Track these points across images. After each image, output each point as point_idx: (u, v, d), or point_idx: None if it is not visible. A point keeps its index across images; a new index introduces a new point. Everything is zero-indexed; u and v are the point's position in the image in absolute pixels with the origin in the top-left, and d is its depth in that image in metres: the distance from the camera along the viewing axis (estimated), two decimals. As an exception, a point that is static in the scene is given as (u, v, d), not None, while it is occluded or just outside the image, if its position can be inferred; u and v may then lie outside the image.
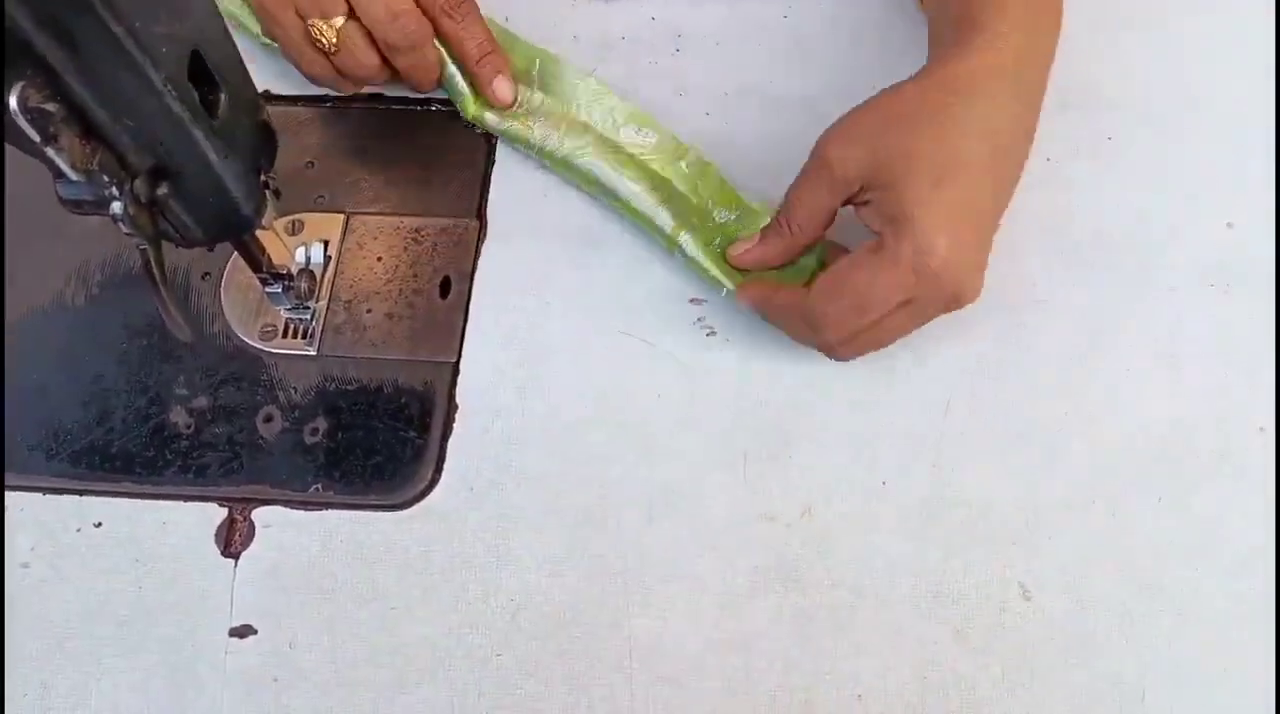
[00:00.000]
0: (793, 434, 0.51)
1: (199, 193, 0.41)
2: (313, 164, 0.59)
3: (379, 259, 0.56)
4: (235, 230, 0.45)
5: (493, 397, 0.52)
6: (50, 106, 0.34)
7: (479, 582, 0.49)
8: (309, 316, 0.54)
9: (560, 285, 0.55)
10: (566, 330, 0.54)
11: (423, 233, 0.57)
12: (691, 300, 0.54)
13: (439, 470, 0.51)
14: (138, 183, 0.39)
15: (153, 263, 0.42)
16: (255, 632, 0.49)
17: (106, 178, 0.38)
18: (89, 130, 0.37)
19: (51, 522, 0.51)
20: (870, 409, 0.51)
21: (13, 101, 0.33)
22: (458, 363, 0.53)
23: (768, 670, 0.46)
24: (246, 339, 0.55)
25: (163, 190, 0.41)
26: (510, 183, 0.57)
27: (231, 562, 0.50)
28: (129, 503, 0.52)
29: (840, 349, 0.49)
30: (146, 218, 0.41)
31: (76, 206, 0.40)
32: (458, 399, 0.53)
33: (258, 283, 0.55)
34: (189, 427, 0.53)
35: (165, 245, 0.43)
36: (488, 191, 0.57)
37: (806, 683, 0.46)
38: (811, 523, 0.49)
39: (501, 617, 0.48)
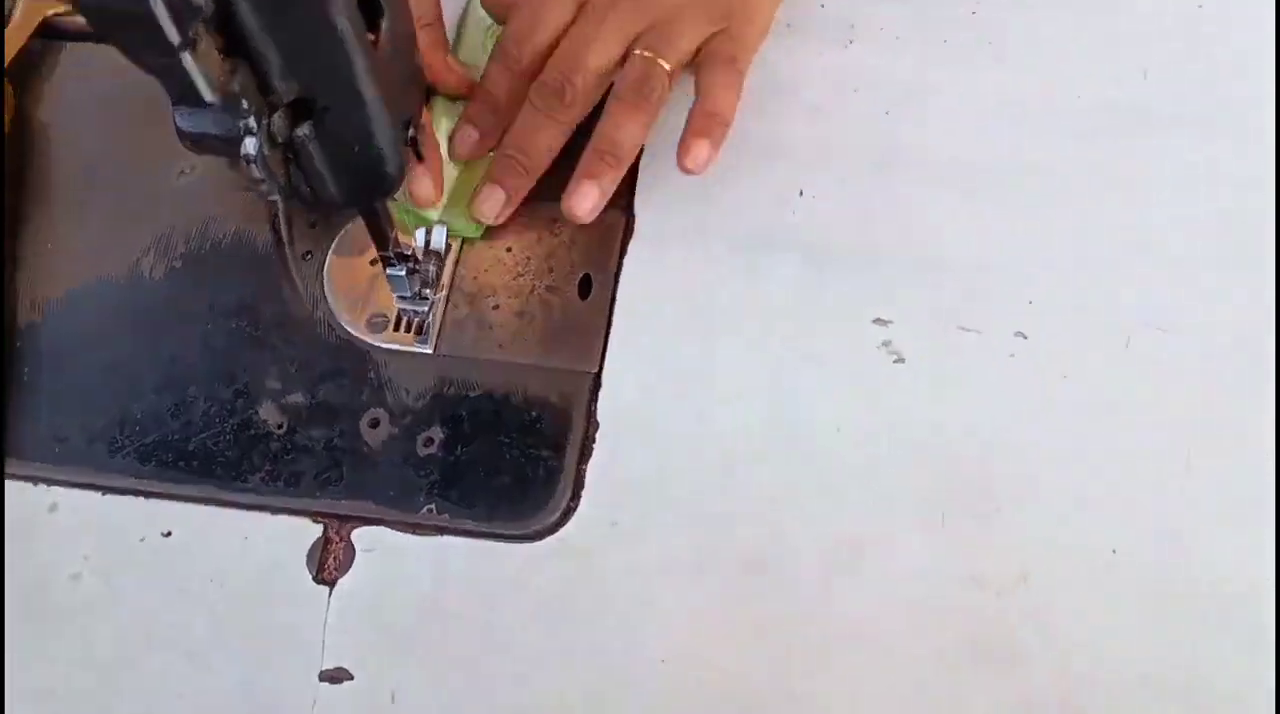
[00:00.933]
0: (1000, 484, 0.43)
1: (344, 138, 0.34)
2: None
3: (508, 249, 0.49)
4: (373, 192, 0.37)
5: (641, 416, 0.45)
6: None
7: (624, 635, 0.41)
8: (426, 309, 0.47)
9: (722, 295, 0.47)
10: (728, 347, 0.46)
11: (560, 223, 0.49)
12: (876, 321, 0.46)
13: (576, 498, 0.43)
14: (276, 117, 0.32)
15: (281, 219, 0.35)
16: (351, 677, 0.40)
17: (245, 104, 0.30)
18: (231, 43, 0.29)
19: (111, 527, 0.43)
20: (1092, 460, 0.43)
21: (152, -11, 0.25)
22: (599, 374, 0.46)
23: (978, 770, 0.38)
24: (352, 330, 0.47)
25: (303, 131, 0.33)
26: (664, 176, 0.50)
27: (325, 590, 0.42)
28: (205, 511, 0.43)
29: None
30: (280, 163, 0.33)
31: (198, 141, 0.33)
32: (599, 416, 0.45)
33: (367, 266, 0.47)
34: (281, 426, 0.45)
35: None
36: (635, 183, 0.50)
37: (1026, 789, 0.38)
38: (1029, 591, 0.41)
39: (651, 678, 0.40)
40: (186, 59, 0.27)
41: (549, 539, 0.42)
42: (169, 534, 0.43)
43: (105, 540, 0.43)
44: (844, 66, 0.52)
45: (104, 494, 0.44)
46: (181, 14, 0.26)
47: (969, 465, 0.43)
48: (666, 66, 0.47)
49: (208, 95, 0.29)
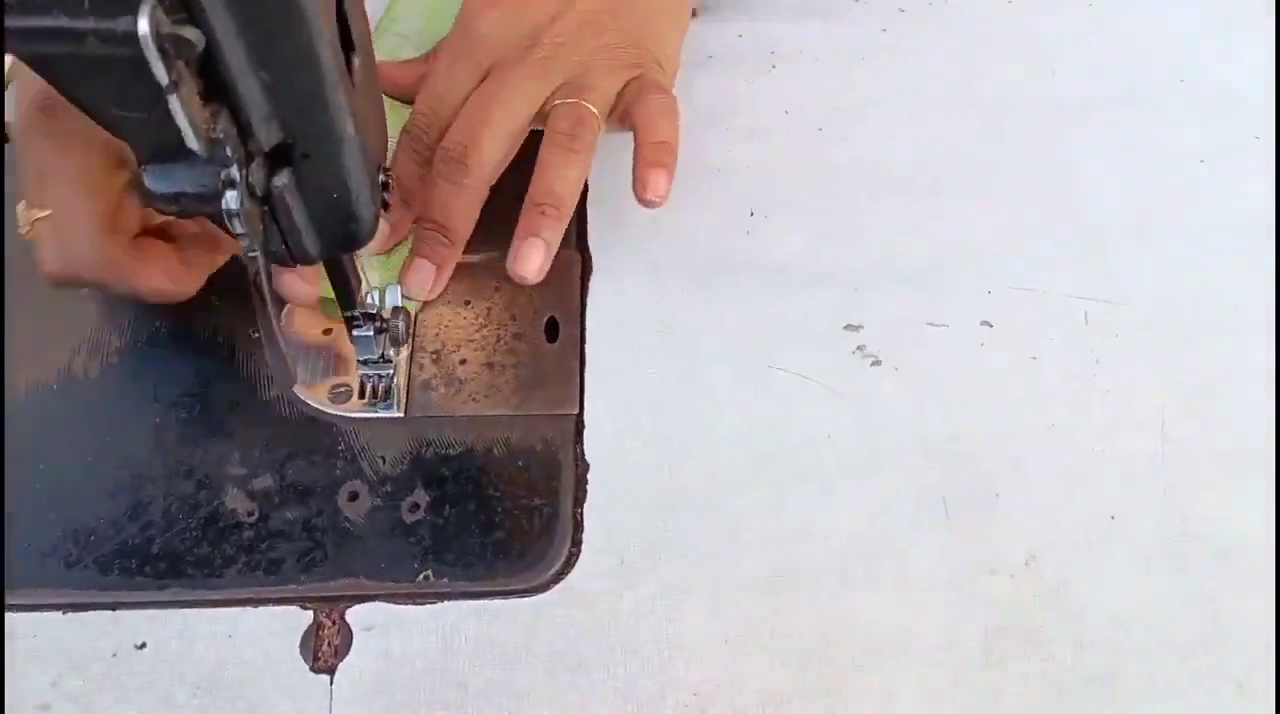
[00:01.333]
0: (993, 471, 0.43)
1: (322, 185, 0.33)
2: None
3: (467, 302, 0.47)
4: (349, 240, 0.36)
5: (630, 452, 0.44)
6: (188, 33, 0.25)
7: (650, 676, 0.39)
8: (391, 372, 0.45)
9: (688, 321, 0.47)
10: (705, 371, 0.45)
11: (515, 271, 0.48)
12: (847, 326, 0.46)
13: (577, 543, 0.42)
14: (254, 167, 0.30)
15: (262, 275, 0.33)
16: (368, 767, 0.37)
17: (229, 152, 0.29)
18: (210, 88, 0.28)
19: (78, 647, 0.39)
20: (1076, 433, 0.44)
21: (144, 24, 0.24)
22: (580, 415, 0.44)
23: (1028, 756, 0.37)
24: (315, 404, 0.45)
25: (281, 181, 0.32)
26: (611, 212, 0.50)
27: (326, 678, 0.39)
28: (180, 614, 0.40)
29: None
30: (258, 217, 0.32)
31: (172, 202, 0.31)
32: (587, 457, 0.43)
33: (321, 336, 0.46)
34: (251, 514, 0.42)
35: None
36: (585, 221, 0.49)
37: (1079, 768, 0.37)
38: (1039, 572, 0.41)
39: (686, 712, 0.38)
40: (173, 102, 0.25)
41: (556, 588, 0.41)
42: (143, 646, 0.40)
43: (74, 662, 0.39)
44: (771, 90, 0.53)
45: (65, 613, 0.40)
46: (169, 53, 0.24)
47: (962, 456, 0.43)
48: (593, 109, 0.46)
49: (193, 142, 0.27)
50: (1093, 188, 0.50)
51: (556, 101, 0.46)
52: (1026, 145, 0.51)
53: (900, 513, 0.42)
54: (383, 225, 0.43)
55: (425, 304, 0.47)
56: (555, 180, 0.44)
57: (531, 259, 0.44)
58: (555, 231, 0.44)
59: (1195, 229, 0.49)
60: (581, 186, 0.46)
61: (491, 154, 0.45)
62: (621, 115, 0.47)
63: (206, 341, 0.46)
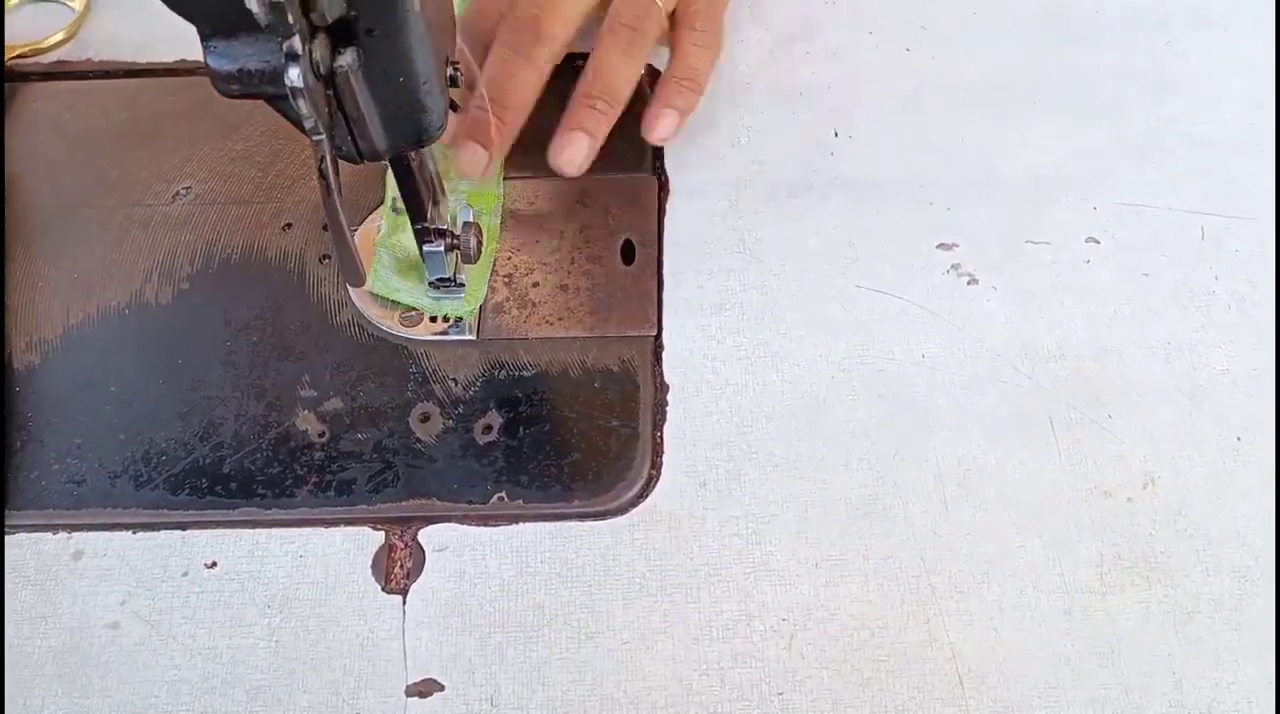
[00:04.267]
0: (1104, 390, 0.40)
1: (387, 66, 0.31)
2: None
3: (540, 226, 0.46)
4: (417, 133, 0.34)
5: (712, 372, 0.41)
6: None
7: (736, 599, 0.37)
8: (460, 295, 0.43)
9: (772, 240, 0.44)
10: (790, 289, 0.43)
11: (590, 194, 0.46)
12: (940, 245, 0.44)
13: (657, 465, 0.40)
14: (317, 44, 0.29)
15: (328, 162, 0.31)
16: (441, 688, 0.36)
17: (291, 20, 0.27)
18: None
19: (148, 566, 0.39)
20: (1195, 350, 0.41)
21: None
22: (659, 336, 0.42)
23: (1150, 689, 0.34)
24: (385, 327, 0.43)
25: (346, 59, 0.30)
26: (687, 134, 0.47)
27: (399, 599, 0.37)
28: (251, 534, 0.39)
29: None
30: (324, 99, 0.30)
31: (236, 80, 0.30)
32: (666, 378, 0.41)
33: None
34: (322, 435, 0.41)
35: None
36: (661, 146, 0.47)
37: (1207, 702, 0.34)
38: (1158, 495, 0.38)
39: (774, 642, 0.36)
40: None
41: (635, 510, 0.39)
42: (214, 565, 0.39)
43: (143, 581, 0.38)
44: (855, 10, 0.51)
45: (135, 532, 0.39)
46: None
47: (1069, 375, 0.40)
48: (660, 2, 0.44)
49: (254, 5, 0.26)
50: (1202, 103, 0.47)
51: None
52: (1129, 60, 0.48)
53: (1003, 434, 0.39)
54: (475, 152, 0.42)
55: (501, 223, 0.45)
56: (611, 73, 0.43)
57: (575, 152, 0.42)
58: (603, 127, 0.43)
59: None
60: (635, 83, 0.44)
61: (564, 28, 0.43)
62: (670, 23, 0.45)
63: (277, 267, 0.45)
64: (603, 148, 0.44)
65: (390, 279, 0.43)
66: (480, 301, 0.43)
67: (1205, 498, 0.38)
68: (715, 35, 0.46)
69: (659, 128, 0.43)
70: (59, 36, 0.52)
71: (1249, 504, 0.38)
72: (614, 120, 0.43)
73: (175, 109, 0.50)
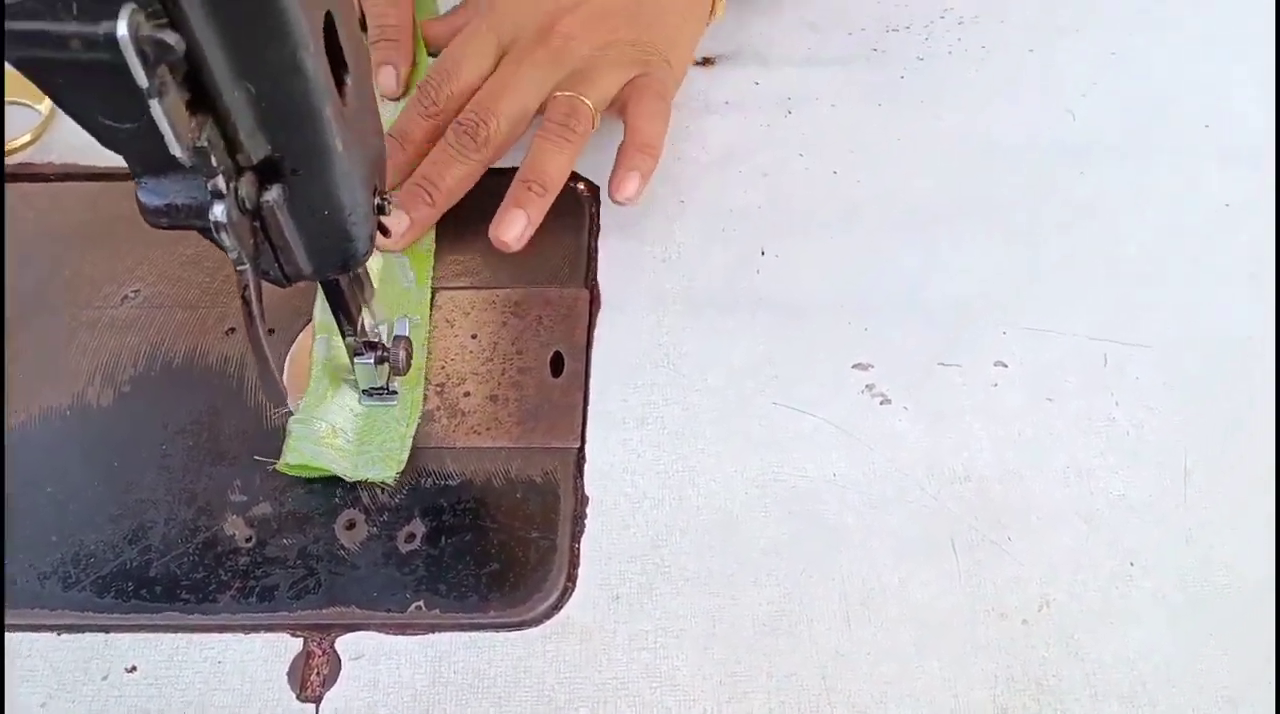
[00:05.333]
0: (1005, 512, 0.42)
1: (313, 201, 0.33)
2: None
3: (473, 336, 0.47)
4: (343, 259, 0.36)
5: (631, 485, 0.43)
6: (168, 37, 0.26)
7: (643, 712, 0.38)
8: (393, 402, 0.45)
9: (696, 355, 0.46)
10: (711, 405, 0.45)
11: (523, 306, 0.48)
12: (856, 366, 0.46)
13: (573, 577, 0.41)
14: (244, 181, 0.31)
15: (252, 291, 0.33)
16: (348, 799, 0.36)
17: (214, 162, 0.29)
18: (196, 100, 0.28)
19: (70, 668, 0.39)
20: (1093, 475, 0.42)
21: (122, 27, 0.24)
22: (583, 448, 0.44)
23: (1038, 812, 0.35)
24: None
25: (271, 195, 0.32)
26: (621, 249, 0.50)
27: (312, 708, 0.38)
28: (172, 639, 0.40)
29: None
30: (249, 232, 0.32)
31: (164, 214, 0.32)
32: (587, 490, 0.43)
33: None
34: (249, 540, 0.42)
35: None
36: (595, 259, 0.49)
37: (1092, 825, 0.35)
38: (1052, 618, 0.39)
39: (676, 760, 0.37)
40: (155, 108, 0.26)
41: (550, 622, 0.40)
42: (133, 669, 0.39)
43: (64, 684, 0.39)
44: (786, 134, 0.53)
45: (59, 634, 0.40)
46: (149, 56, 0.25)
47: (973, 497, 0.42)
48: (589, 103, 0.48)
49: (176, 149, 0.27)
50: (1112, 231, 0.49)
51: (557, 93, 0.48)
52: (1044, 189, 0.51)
53: (907, 553, 0.41)
54: (401, 219, 0.46)
55: (433, 334, 0.47)
56: (544, 163, 0.47)
57: (513, 227, 0.46)
58: (538, 208, 0.47)
59: (1217, 274, 0.47)
60: (568, 173, 0.48)
61: (499, 135, 0.47)
62: (618, 110, 0.49)
63: (217, 371, 0.47)
64: (533, 267, 0.48)
65: (304, 448, 0.42)
66: (400, 468, 0.43)
67: (1097, 622, 0.39)
68: (665, 109, 0.49)
69: (624, 188, 0.47)
70: (24, 139, 0.54)
71: (1140, 629, 0.39)
72: (548, 204, 0.47)
73: (130, 213, 0.50)
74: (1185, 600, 0.39)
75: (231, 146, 0.30)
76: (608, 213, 0.51)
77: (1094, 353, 0.45)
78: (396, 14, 0.52)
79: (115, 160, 0.52)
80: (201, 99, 0.28)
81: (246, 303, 0.33)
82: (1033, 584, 0.40)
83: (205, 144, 0.28)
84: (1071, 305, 0.47)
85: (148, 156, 0.31)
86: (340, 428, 0.43)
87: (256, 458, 0.43)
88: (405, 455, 0.43)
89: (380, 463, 0.43)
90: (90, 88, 0.28)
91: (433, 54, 0.54)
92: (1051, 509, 0.41)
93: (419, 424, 0.44)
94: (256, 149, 0.30)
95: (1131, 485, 0.42)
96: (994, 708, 0.37)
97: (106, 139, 0.30)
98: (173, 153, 0.28)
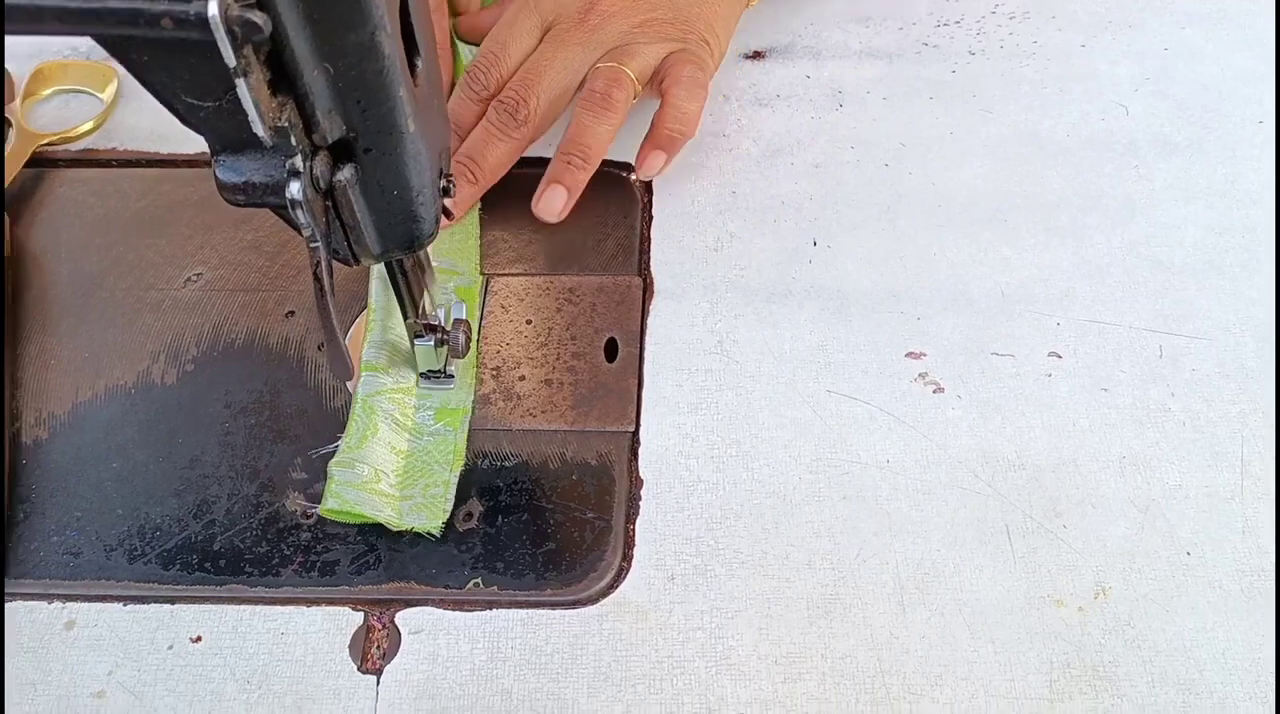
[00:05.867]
0: (1060, 500, 0.42)
1: (383, 180, 0.34)
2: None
3: (528, 322, 0.48)
4: (409, 240, 0.37)
5: (684, 468, 0.43)
6: (256, 17, 0.26)
7: (697, 693, 0.38)
8: (451, 386, 0.45)
9: (748, 343, 0.47)
10: (763, 392, 0.45)
11: (578, 293, 0.49)
12: (909, 354, 0.46)
13: (628, 557, 0.41)
14: (318, 161, 0.32)
15: (323, 267, 0.34)
16: (408, 769, 0.37)
17: (293, 141, 0.30)
18: (277, 77, 0.29)
19: (136, 638, 0.40)
20: (1149, 465, 0.42)
21: (213, 7, 0.25)
22: (637, 432, 0.44)
23: (1094, 796, 0.35)
24: (376, 413, 0.45)
25: (344, 174, 0.33)
26: (674, 237, 0.50)
27: (372, 679, 0.39)
28: (236, 610, 0.41)
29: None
30: (321, 211, 0.33)
31: (241, 191, 0.32)
32: (642, 472, 0.43)
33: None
34: (310, 516, 0.43)
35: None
36: (648, 248, 0.50)
37: (1149, 810, 0.35)
38: (1108, 606, 0.39)
39: (732, 737, 0.37)
40: (241, 87, 0.27)
41: (605, 600, 0.40)
42: (199, 639, 0.40)
43: (130, 652, 0.40)
44: (837, 127, 0.54)
45: (125, 604, 0.41)
46: (237, 36, 0.25)
47: (1027, 485, 0.42)
48: (630, 73, 0.49)
49: (259, 128, 0.28)
50: (1166, 225, 0.49)
51: (598, 64, 0.49)
52: (1097, 183, 0.51)
53: (961, 539, 0.41)
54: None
55: (487, 319, 0.48)
56: (584, 134, 0.48)
57: (553, 201, 0.47)
58: (578, 180, 0.48)
59: (1272, 267, 0.47)
60: (609, 143, 0.49)
61: (539, 113, 0.48)
62: (656, 85, 0.50)
63: (278, 353, 0.47)
64: (587, 255, 0.49)
65: (346, 494, 0.41)
66: (445, 517, 0.42)
67: (1154, 610, 0.39)
68: (703, 82, 0.50)
69: (648, 165, 0.49)
70: (88, 126, 0.55)
71: (1196, 618, 0.39)
72: (588, 176, 0.48)
73: (192, 199, 0.53)
74: (1241, 591, 0.39)
75: (308, 126, 0.31)
76: (660, 202, 0.51)
77: (1149, 344, 0.45)
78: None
79: (176, 148, 0.55)
80: (282, 79, 0.29)
81: (318, 279, 0.33)
82: (1088, 572, 0.40)
83: (285, 123, 0.29)
84: (1125, 298, 0.47)
85: (227, 135, 0.31)
86: (382, 470, 0.42)
87: (311, 454, 0.44)
88: (450, 504, 0.42)
89: (425, 509, 0.42)
90: (177, 66, 0.29)
91: (476, 44, 0.54)
92: (1107, 498, 0.41)
93: (475, 406, 0.45)
94: (332, 128, 0.31)
95: (1188, 476, 0.42)
96: (1050, 694, 0.37)
97: (187, 117, 0.31)
98: (255, 131, 0.29)
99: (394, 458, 0.43)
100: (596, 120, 0.48)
